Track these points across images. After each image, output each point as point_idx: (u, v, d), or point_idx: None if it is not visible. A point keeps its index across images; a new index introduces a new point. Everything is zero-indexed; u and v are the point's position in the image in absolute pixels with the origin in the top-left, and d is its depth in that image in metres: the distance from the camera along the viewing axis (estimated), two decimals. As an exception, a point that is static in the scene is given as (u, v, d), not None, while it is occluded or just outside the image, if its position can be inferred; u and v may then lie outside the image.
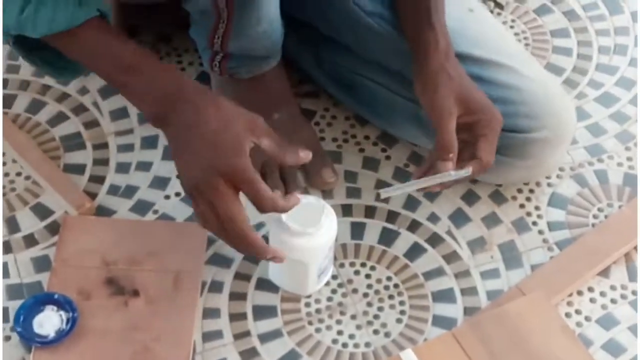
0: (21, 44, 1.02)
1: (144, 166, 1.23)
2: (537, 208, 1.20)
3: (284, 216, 1.04)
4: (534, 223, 1.19)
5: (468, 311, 1.11)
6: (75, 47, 0.99)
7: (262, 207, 0.97)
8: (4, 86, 1.30)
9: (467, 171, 1.05)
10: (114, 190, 1.20)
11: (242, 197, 0.97)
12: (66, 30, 0.96)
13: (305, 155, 1.00)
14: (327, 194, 1.20)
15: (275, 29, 1.14)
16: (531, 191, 1.22)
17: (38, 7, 0.95)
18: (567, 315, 1.10)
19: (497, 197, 1.21)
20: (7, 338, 1.05)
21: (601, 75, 1.36)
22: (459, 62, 1.09)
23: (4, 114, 1.26)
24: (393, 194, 1.06)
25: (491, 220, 1.19)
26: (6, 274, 1.11)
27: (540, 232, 1.18)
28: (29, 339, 1.02)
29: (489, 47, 1.14)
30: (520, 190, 1.22)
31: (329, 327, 1.09)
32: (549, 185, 1.23)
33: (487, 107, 1.07)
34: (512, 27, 1.42)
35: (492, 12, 1.42)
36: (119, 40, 0.99)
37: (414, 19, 1.09)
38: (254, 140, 0.96)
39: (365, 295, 1.12)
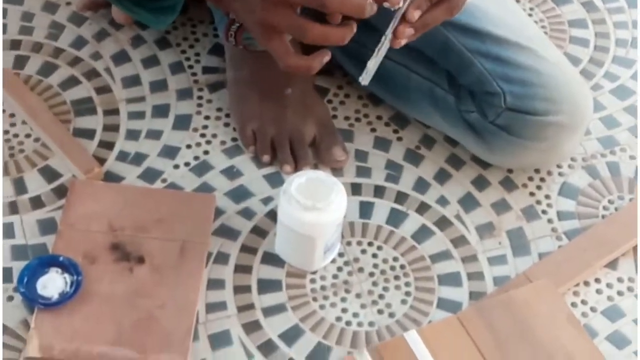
0: None
1: (154, 134, 1.22)
2: (547, 197, 1.20)
3: (293, 190, 1.04)
4: (544, 212, 1.18)
5: (474, 296, 1.10)
6: None
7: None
8: (17, 47, 1.29)
9: None
10: (123, 156, 1.19)
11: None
12: None
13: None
14: (337, 172, 1.20)
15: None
16: (542, 180, 1.21)
17: None
18: (573, 305, 1.10)
19: (508, 183, 1.21)
20: (9, 298, 1.05)
21: (617, 68, 1.35)
22: (479, 41, 1.08)
23: (16, 74, 1.25)
24: (370, 71, 0.98)
25: (501, 207, 1.18)
26: (11, 235, 1.10)
27: (550, 220, 1.17)
28: (32, 300, 1.02)
29: (510, 28, 1.13)
30: (531, 178, 1.21)
31: (333, 305, 1.08)
32: (560, 174, 1.22)
33: None
34: (530, 15, 1.41)
35: (511, -2, 1.41)
36: None
37: None
38: None
39: (371, 274, 1.11)
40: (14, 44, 1.29)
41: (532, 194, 1.20)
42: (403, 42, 0.96)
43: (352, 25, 0.93)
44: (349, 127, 1.25)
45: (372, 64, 0.97)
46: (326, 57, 0.95)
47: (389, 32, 0.95)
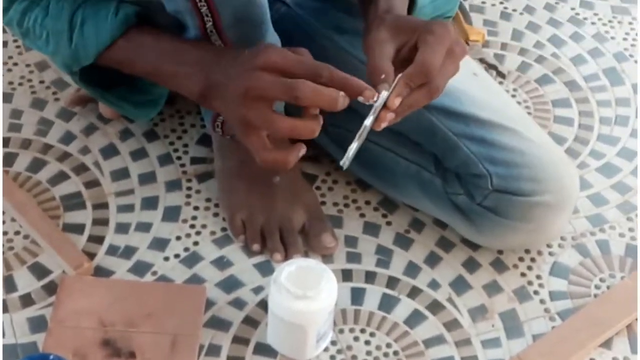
0: (89, 83, 1.13)
1: (144, 227, 1.22)
2: (538, 277, 1.20)
3: (284, 279, 1.03)
4: (536, 292, 1.18)
5: (469, 380, 1.09)
6: (124, 58, 1.07)
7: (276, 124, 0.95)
8: (6, 145, 1.30)
9: (387, 88, 0.95)
10: (113, 250, 1.19)
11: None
12: (111, 44, 1.05)
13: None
14: (327, 258, 1.20)
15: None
16: (532, 260, 1.21)
17: (82, 30, 1.05)
18: (569, 386, 1.09)
19: (498, 265, 1.21)
20: (-1, 399, 1.04)
21: (602, 146, 1.37)
22: (463, 124, 1.10)
23: (5, 172, 1.26)
24: (350, 156, 0.97)
25: (492, 288, 1.18)
26: (1, 335, 1.09)
27: (542, 301, 1.17)
28: (23, 401, 1.01)
29: (493, 110, 1.15)
30: (521, 259, 1.21)
31: (327, 394, 1.07)
32: (550, 254, 1.22)
33: (428, 22, 1.00)
34: (513, 96, 1.43)
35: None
36: (159, 39, 1.05)
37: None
38: (272, 61, 0.94)
39: (365, 362, 1.10)
40: (2, 142, 1.30)
41: (523, 274, 1.20)
42: (384, 125, 0.97)
43: (320, 119, 0.95)
44: (338, 213, 1.25)
45: (353, 149, 0.97)
46: (302, 151, 0.97)
47: (368, 121, 0.96)
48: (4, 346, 1.08)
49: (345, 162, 0.97)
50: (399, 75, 0.96)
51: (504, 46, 1.51)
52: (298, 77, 0.93)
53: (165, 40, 1.06)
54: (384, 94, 0.95)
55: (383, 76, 0.96)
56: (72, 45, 1.08)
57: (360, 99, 0.94)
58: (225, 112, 1.01)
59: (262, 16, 1.03)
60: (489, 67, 1.45)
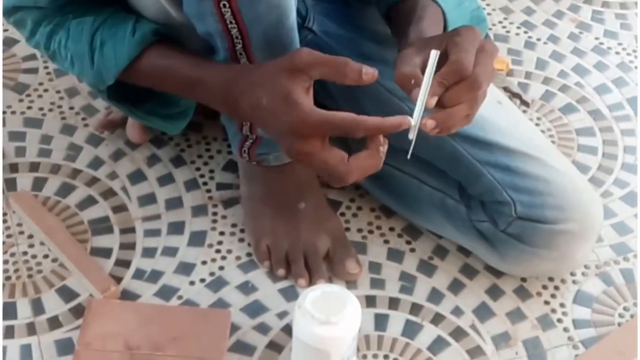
0: (118, 99, 1.16)
1: (170, 251, 1.23)
2: (562, 305, 1.20)
3: (308, 304, 1.04)
4: (559, 320, 1.18)
5: (492, 407, 1.09)
6: (145, 76, 1.09)
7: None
8: (36, 169, 1.32)
9: (434, 54, 0.94)
10: (139, 274, 1.20)
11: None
12: (132, 63, 1.07)
13: (367, 71, 0.94)
14: (351, 284, 1.20)
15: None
16: (556, 288, 1.22)
17: (102, 51, 1.07)
18: (593, 414, 1.09)
19: (522, 292, 1.21)
20: (26, 420, 1.05)
21: (627, 175, 1.37)
22: (488, 151, 1.12)
23: (34, 196, 1.28)
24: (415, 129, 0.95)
25: (516, 316, 1.18)
26: (29, 356, 1.11)
27: (566, 329, 1.17)
28: (49, 422, 1.02)
29: (517, 138, 1.15)
30: (545, 287, 1.22)
31: (350, 420, 1.07)
32: (574, 282, 1.22)
33: (453, 30, 0.99)
34: (537, 124, 1.43)
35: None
36: (178, 59, 1.07)
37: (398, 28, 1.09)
38: (302, 79, 0.95)
39: (388, 388, 1.11)
40: (32, 166, 1.32)
41: (546, 302, 1.20)
42: (433, 126, 0.95)
43: (381, 151, 0.96)
44: (362, 240, 1.26)
45: (412, 135, 0.95)
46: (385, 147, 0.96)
47: (411, 135, 0.95)
48: (32, 368, 1.10)
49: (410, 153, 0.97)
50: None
51: (528, 75, 1.52)
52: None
53: (184, 56, 1.07)
54: (420, 98, 0.93)
55: (413, 81, 0.94)
56: (93, 66, 1.10)
57: (403, 129, 0.94)
58: (269, 135, 1.01)
59: (291, 39, 1.04)
60: (513, 95, 1.45)
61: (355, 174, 0.96)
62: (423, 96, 0.94)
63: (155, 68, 1.08)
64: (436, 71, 0.94)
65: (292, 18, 1.02)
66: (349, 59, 0.94)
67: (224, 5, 0.99)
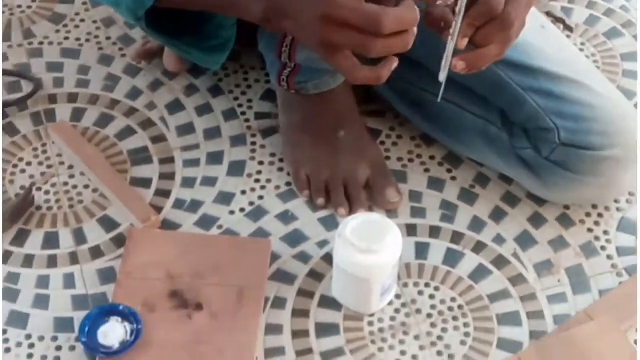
0: (158, 31, 1.08)
1: (210, 181, 1.23)
2: (605, 232, 1.18)
3: (349, 233, 1.04)
4: (603, 248, 1.17)
5: (534, 335, 1.09)
6: None
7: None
8: (74, 100, 1.32)
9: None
10: (179, 204, 1.20)
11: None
12: None
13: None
14: (391, 213, 1.20)
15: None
16: (600, 215, 1.20)
17: None
18: (635, 342, 1.08)
19: (565, 220, 1.20)
20: (71, 348, 1.06)
21: (672, 100, 1.34)
22: (532, 77, 1.09)
23: (74, 126, 1.28)
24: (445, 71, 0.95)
25: (558, 244, 1.17)
26: (72, 285, 1.12)
27: (609, 257, 1.16)
28: (94, 350, 1.03)
29: (562, 63, 1.13)
30: (588, 214, 1.20)
31: (392, 347, 1.08)
32: (618, 210, 1.21)
33: None
34: (581, 50, 1.40)
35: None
36: None
37: None
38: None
39: (429, 315, 1.10)
40: (71, 97, 1.32)
41: (590, 230, 1.19)
42: (465, 42, 0.94)
43: (413, 31, 0.90)
44: (402, 168, 1.25)
45: (443, 77, 0.96)
46: (394, 64, 0.92)
47: (453, 36, 0.93)
48: (75, 296, 1.11)
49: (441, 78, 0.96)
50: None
51: (571, -1, 1.49)
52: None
53: None
54: (450, 40, 0.93)
55: (443, 24, 0.93)
56: None
57: (439, 2, 0.91)
58: (299, 35, 0.95)
59: None
60: (556, 20, 1.42)
61: (391, 22, 0.88)
62: (454, 38, 0.93)
63: None
64: (467, 11, 0.92)
65: None
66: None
67: None
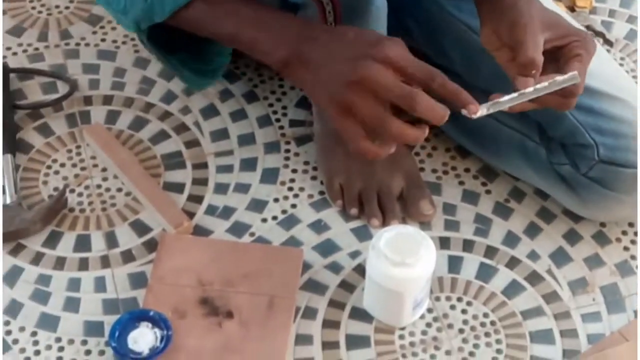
0: (155, 43, 1.08)
1: (242, 188, 1.22)
2: (642, 251, 1.17)
3: (382, 245, 1.03)
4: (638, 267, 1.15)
5: (567, 354, 1.07)
6: (200, 18, 1.01)
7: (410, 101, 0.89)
8: (109, 102, 1.32)
9: (573, 76, 0.94)
10: (211, 210, 1.20)
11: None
12: (189, 2, 0.99)
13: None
14: (424, 225, 1.19)
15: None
16: (636, 234, 1.18)
17: None
18: (671, 364, 1.06)
19: (601, 238, 1.18)
20: (101, 352, 1.06)
21: None
22: None
23: (108, 129, 1.28)
24: (485, 112, 0.92)
25: (594, 261, 1.16)
26: (103, 289, 1.12)
27: (645, 276, 1.15)
28: (123, 355, 1.03)
29: (602, 79, 1.12)
30: (624, 232, 1.18)
31: (422, 362, 1.07)
32: (655, 228, 1.19)
33: (579, 31, 0.99)
34: (621, 64, 1.39)
35: (601, 48, 1.39)
36: (239, 1, 1.00)
37: None
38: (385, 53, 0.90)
39: (461, 331, 1.09)
40: (106, 100, 1.32)
41: (626, 248, 1.17)
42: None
43: (426, 129, 0.92)
44: (437, 180, 1.24)
45: (490, 111, 0.94)
46: (393, 149, 0.93)
47: (504, 103, 0.93)
48: (106, 300, 1.11)
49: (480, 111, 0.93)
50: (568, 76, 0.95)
51: (612, 13, 1.47)
52: (412, 78, 0.90)
53: (246, 3, 1.00)
54: (556, 78, 0.94)
55: (534, 72, 0.94)
56: (147, 0, 1.03)
57: (464, 112, 0.90)
58: (314, 88, 0.95)
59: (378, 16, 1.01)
60: (596, 34, 1.41)
61: (400, 136, 0.90)
62: (531, 95, 0.93)
63: (214, 10, 1.00)
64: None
65: None
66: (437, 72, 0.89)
67: None
